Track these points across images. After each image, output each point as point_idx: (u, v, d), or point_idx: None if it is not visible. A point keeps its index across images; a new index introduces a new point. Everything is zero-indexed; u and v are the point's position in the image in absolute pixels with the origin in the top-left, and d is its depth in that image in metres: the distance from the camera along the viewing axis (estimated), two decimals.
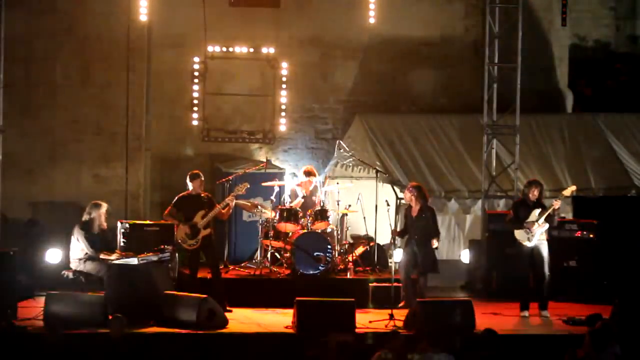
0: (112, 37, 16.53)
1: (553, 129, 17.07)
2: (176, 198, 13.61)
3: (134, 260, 12.73)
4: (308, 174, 15.22)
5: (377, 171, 14.81)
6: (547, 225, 13.57)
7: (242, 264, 15.07)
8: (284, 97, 17.28)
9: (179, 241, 13.40)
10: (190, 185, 13.55)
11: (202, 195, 13.58)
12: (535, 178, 14.37)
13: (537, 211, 13.54)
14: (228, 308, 13.06)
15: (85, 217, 13.38)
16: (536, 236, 13.51)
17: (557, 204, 13.59)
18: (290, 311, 12.31)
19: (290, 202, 15.12)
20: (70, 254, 13.30)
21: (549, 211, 13.52)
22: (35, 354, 10.11)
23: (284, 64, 17.25)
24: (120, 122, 16.65)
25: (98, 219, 13.34)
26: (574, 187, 14.05)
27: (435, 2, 17.78)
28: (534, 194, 13.69)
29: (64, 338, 10.30)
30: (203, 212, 13.40)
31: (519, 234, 13.62)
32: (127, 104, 16.63)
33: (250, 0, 16.86)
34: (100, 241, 13.24)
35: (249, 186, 13.90)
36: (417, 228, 13.60)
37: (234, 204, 13.84)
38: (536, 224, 13.49)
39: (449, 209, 16.30)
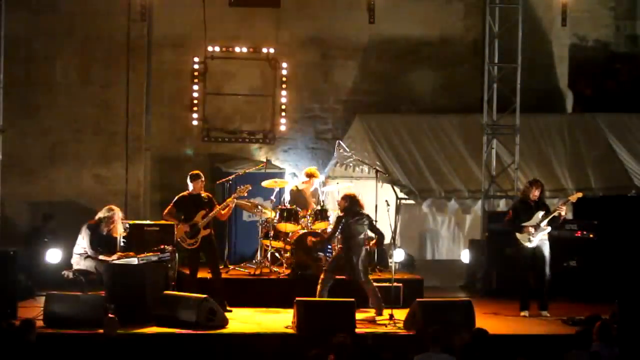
0: (112, 37, 16.55)
1: (553, 129, 17.06)
2: (176, 198, 13.59)
3: (134, 260, 12.73)
4: (308, 175, 15.18)
5: (377, 171, 14.80)
6: (549, 229, 13.55)
7: (242, 264, 15.06)
8: (284, 97, 17.29)
9: (178, 240, 13.39)
10: (190, 186, 13.53)
11: (203, 195, 13.57)
12: (535, 178, 14.36)
13: (540, 213, 13.51)
14: (228, 308, 13.05)
15: (96, 218, 13.35)
16: (537, 238, 13.49)
17: (562, 209, 13.57)
18: (290, 311, 12.31)
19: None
20: (74, 248, 13.28)
21: (554, 214, 13.48)
22: (35, 354, 10.09)
23: (284, 64, 17.26)
24: (120, 122, 16.66)
25: (107, 222, 13.26)
26: (580, 194, 14.01)
27: (435, 2, 17.79)
28: (534, 193, 13.66)
29: (39, 340, 10.26)
30: (203, 212, 13.39)
31: (519, 234, 13.60)
32: (127, 104, 16.65)
33: (250, 0, 16.87)
34: (104, 244, 13.18)
35: (250, 188, 13.89)
36: None
37: (234, 205, 13.84)
38: (540, 226, 13.46)
39: (449, 209, 16.30)
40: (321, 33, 17.52)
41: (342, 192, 13.66)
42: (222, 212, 13.55)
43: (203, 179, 13.63)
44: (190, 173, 13.67)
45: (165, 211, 13.57)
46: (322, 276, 13.14)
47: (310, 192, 15.14)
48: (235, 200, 13.72)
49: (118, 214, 13.36)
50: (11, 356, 9.72)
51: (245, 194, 13.85)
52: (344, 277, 13.21)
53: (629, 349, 10.43)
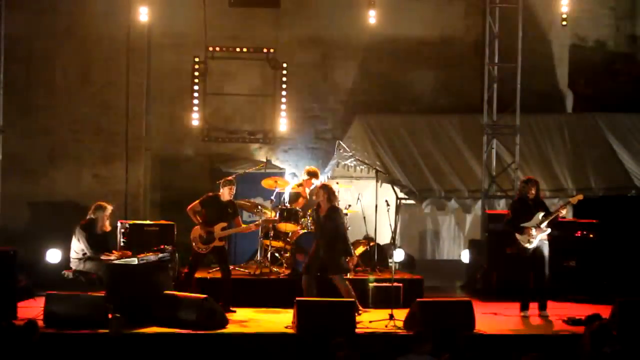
0: (112, 37, 16.54)
1: (553, 129, 17.08)
2: (205, 196, 13.46)
3: (134, 260, 12.73)
4: (309, 173, 15.12)
5: (377, 171, 14.80)
6: (549, 230, 13.51)
7: (242, 264, 15.06)
8: (284, 97, 17.28)
9: (191, 239, 13.32)
10: (221, 190, 13.43)
11: (230, 204, 13.43)
12: (530, 176, 14.34)
13: (540, 214, 13.46)
14: (232, 309, 13.05)
15: (87, 218, 13.34)
16: (537, 239, 13.45)
17: (563, 211, 13.53)
18: (290, 311, 12.31)
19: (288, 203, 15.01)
20: (70, 253, 13.28)
21: (553, 216, 13.45)
22: (35, 353, 10.09)
23: (284, 64, 17.25)
24: (120, 122, 16.65)
25: (101, 221, 13.25)
26: (580, 196, 13.95)
27: (435, 2, 17.79)
28: (531, 192, 13.62)
29: (40, 341, 10.25)
30: (224, 224, 13.28)
31: (519, 235, 13.58)
32: (127, 104, 16.64)
33: (250, 0, 16.87)
34: (101, 242, 13.19)
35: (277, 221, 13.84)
36: (325, 229, 13.07)
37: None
38: (540, 227, 13.42)
39: (449, 208, 16.31)
40: (321, 33, 17.53)
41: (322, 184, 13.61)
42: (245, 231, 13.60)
43: (234, 186, 13.43)
44: (224, 179, 13.58)
45: (190, 205, 13.39)
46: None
47: (309, 191, 15.08)
48: (259, 227, 13.72)
49: (108, 209, 13.35)
50: (14, 356, 9.73)
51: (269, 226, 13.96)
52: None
53: (630, 348, 10.43)
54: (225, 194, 13.38)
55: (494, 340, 11.93)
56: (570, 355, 10.14)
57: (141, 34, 16.61)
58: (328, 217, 12.98)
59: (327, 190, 13.09)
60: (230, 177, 13.69)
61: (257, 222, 13.77)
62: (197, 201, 13.42)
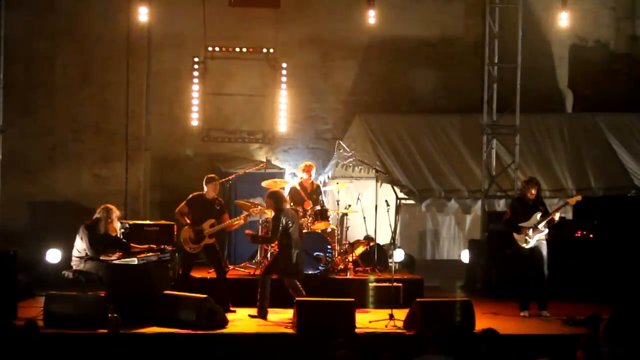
0: (112, 37, 16.56)
1: (553, 129, 17.08)
2: (190, 196, 13.45)
3: (134, 260, 12.73)
4: (305, 169, 15.04)
5: (377, 171, 14.80)
6: (546, 231, 13.51)
7: (242, 264, 15.05)
8: (284, 97, 17.29)
9: (182, 240, 13.34)
10: (205, 188, 13.43)
11: (216, 201, 13.43)
12: (531, 176, 14.34)
13: (538, 215, 13.46)
14: (232, 309, 13.05)
15: (93, 218, 13.33)
16: (534, 239, 13.46)
17: (556, 214, 13.49)
18: (290, 311, 12.31)
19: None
20: (73, 252, 13.27)
21: (549, 217, 13.44)
22: (35, 353, 10.09)
23: (284, 64, 17.25)
24: (120, 122, 16.68)
25: (105, 223, 13.24)
26: (579, 197, 13.95)
27: (436, 2, 17.80)
28: (532, 192, 13.63)
29: (40, 341, 10.26)
30: (212, 221, 13.28)
31: (516, 235, 13.58)
32: (127, 104, 16.66)
33: (250, 0, 16.88)
34: (104, 244, 13.17)
35: (265, 213, 13.72)
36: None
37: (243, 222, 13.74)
38: (537, 228, 13.42)
39: (449, 209, 16.31)
40: (321, 33, 17.53)
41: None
42: (232, 227, 13.53)
43: (217, 182, 13.47)
44: (206, 176, 13.57)
45: (178, 209, 13.44)
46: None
47: (312, 188, 15.01)
48: (247, 219, 13.64)
49: (115, 212, 13.34)
50: (14, 356, 9.73)
51: (259, 215, 13.81)
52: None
53: (632, 349, 10.42)
54: (210, 191, 13.37)
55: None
56: (571, 356, 10.13)
57: (141, 34, 16.63)
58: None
59: (272, 197, 13.04)
60: (212, 175, 13.65)
61: (245, 214, 13.70)
62: (183, 203, 13.43)
